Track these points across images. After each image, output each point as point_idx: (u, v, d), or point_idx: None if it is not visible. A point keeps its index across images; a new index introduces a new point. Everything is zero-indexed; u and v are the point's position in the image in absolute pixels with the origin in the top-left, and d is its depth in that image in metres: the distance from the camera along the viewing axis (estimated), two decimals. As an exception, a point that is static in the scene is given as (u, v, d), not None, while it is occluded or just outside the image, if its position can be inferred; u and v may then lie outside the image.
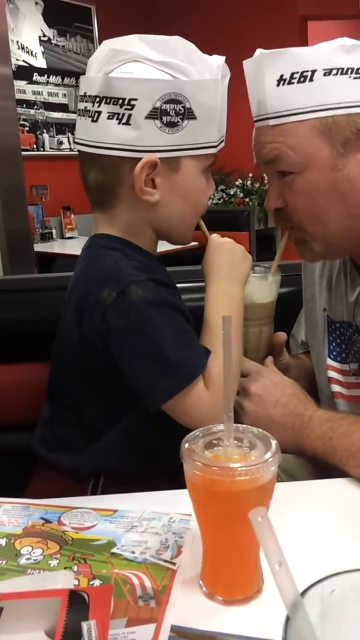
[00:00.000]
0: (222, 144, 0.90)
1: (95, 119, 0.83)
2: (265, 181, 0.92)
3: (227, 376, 0.58)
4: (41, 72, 4.57)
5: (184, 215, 0.89)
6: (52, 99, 4.68)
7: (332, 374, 1.02)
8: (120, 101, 0.80)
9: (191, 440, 0.58)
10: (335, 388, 1.01)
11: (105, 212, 0.89)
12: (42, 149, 4.64)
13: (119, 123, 0.81)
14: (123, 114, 0.80)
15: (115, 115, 0.81)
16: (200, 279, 1.18)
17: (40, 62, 4.56)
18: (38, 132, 4.61)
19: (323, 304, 1.04)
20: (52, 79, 4.65)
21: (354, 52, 0.82)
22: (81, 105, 0.86)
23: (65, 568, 0.63)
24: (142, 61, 0.81)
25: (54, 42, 4.63)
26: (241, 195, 4.97)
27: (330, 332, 1.02)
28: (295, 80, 0.82)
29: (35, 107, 4.56)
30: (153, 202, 0.85)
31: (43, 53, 4.57)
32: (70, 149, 4.81)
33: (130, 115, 0.80)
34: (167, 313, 0.84)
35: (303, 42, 4.68)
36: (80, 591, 0.53)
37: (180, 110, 0.80)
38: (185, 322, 0.87)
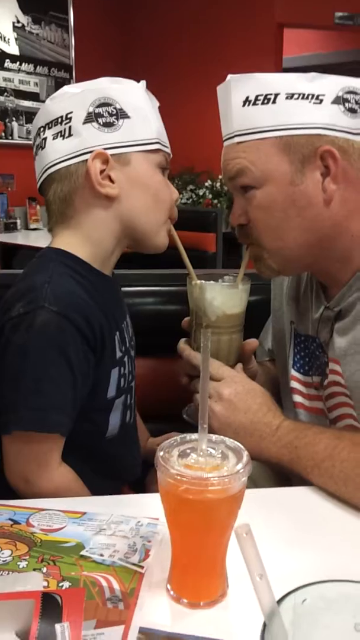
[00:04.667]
0: (167, 149, 0.95)
1: (43, 146, 0.91)
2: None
3: (204, 390, 0.60)
4: (13, 59, 4.48)
5: (147, 208, 0.93)
6: (23, 87, 4.59)
7: (294, 384, 1.05)
8: (59, 119, 0.89)
9: (166, 448, 0.60)
10: (297, 398, 1.04)
11: (67, 223, 0.92)
12: (10, 138, 4.56)
13: (63, 139, 0.89)
14: (64, 129, 0.89)
15: (59, 134, 0.89)
16: (157, 283, 1.18)
17: (13, 49, 4.47)
18: (7, 120, 4.52)
19: (291, 317, 1.07)
20: (24, 66, 4.56)
21: (316, 81, 0.88)
22: (34, 150, 0.94)
23: (34, 569, 0.64)
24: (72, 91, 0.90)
25: (28, 29, 4.54)
26: (210, 196, 5.00)
27: (296, 344, 1.05)
28: (259, 102, 0.88)
29: (6, 94, 4.47)
30: (113, 195, 0.89)
31: (16, 40, 4.47)
32: (40, 139, 4.73)
33: (70, 127, 0.88)
34: (53, 355, 0.83)
35: (278, 49, 4.73)
36: (53, 593, 0.54)
37: (112, 111, 0.88)
38: (65, 374, 0.84)
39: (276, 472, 1.02)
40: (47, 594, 0.54)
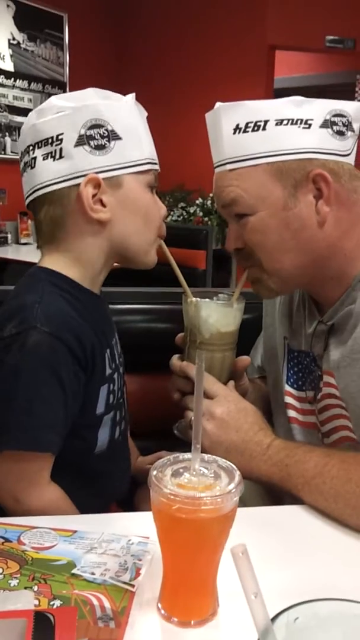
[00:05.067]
0: (156, 166, 0.95)
1: (33, 165, 0.90)
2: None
3: (197, 410, 0.61)
4: (8, 75, 4.53)
5: (138, 230, 0.93)
6: (17, 103, 4.63)
7: (288, 399, 1.06)
8: (50, 140, 0.88)
9: (159, 467, 0.61)
10: (291, 413, 1.05)
11: (57, 245, 0.92)
12: (3, 153, 4.59)
13: (53, 160, 0.88)
14: (55, 150, 0.87)
15: (49, 154, 0.88)
16: (147, 301, 1.17)
17: (8, 65, 4.52)
18: (0, 135, 4.55)
19: (284, 332, 1.09)
20: (19, 82, 4.61)
21: (304, 106, 0.90)
22: (21, 166, 0.93)
23: (25, 588, 0.64)
24: (62, 110, 0.88)
25: (23, 46, 4.60)
26: (201, 214, 5.05)
27: (290, 359, 1.07)
28: (249, 129, 0.90)
29: (-1, 109, 4.52)
30: (105, 219, 0.89)
31: (11, 56, 4.52)
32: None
33: (61, 148, 0.87)
34: (45, 376, 0.83)
35: (270, 70, 4.81)
36: (46, 612, 0.54)
37: (104, 133, 0.87)
38: (57, 394, 0.84)
39: (266, 491, 1.03)
40: (40, 613, 0.54)
